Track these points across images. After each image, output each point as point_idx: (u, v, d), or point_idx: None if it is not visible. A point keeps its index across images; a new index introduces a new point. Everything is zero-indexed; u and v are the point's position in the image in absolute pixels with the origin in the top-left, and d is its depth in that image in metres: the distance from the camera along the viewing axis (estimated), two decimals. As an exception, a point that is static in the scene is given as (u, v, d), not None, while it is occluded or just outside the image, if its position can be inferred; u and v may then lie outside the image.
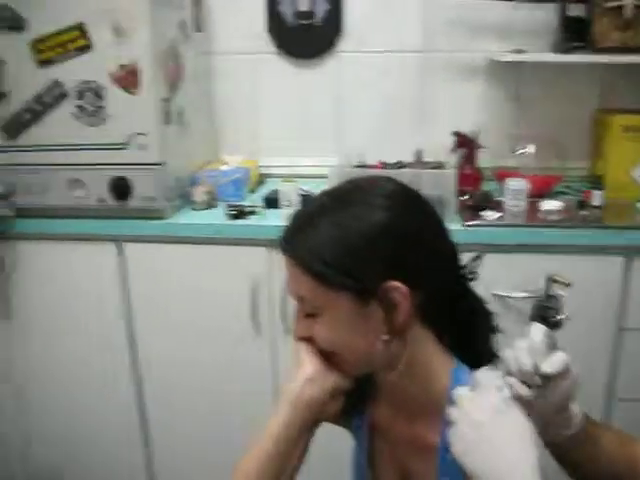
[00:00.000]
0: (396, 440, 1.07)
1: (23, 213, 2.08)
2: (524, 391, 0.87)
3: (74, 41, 1.90)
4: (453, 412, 0.88)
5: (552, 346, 0.91)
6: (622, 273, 1.90)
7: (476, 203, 2.06)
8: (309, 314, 0.96)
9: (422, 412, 1.01)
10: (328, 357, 0.98)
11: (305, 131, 2.50)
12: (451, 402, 0.90)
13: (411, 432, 1.03)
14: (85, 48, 1.90)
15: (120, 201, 2.02)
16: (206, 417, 2.20)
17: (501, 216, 1.99)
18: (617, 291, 1.92)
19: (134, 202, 2.02)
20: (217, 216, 2.07)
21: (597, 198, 2.04)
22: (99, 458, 2.33)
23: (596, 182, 2.15)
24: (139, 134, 1.95)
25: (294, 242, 0.95)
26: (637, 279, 1.91)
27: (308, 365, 0.99)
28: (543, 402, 0.89)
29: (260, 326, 2.05)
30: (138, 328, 2.15)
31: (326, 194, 0.99)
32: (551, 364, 0.87)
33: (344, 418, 1.15)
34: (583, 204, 2.06)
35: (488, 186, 2.20)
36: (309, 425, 1.01)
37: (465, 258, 1.04)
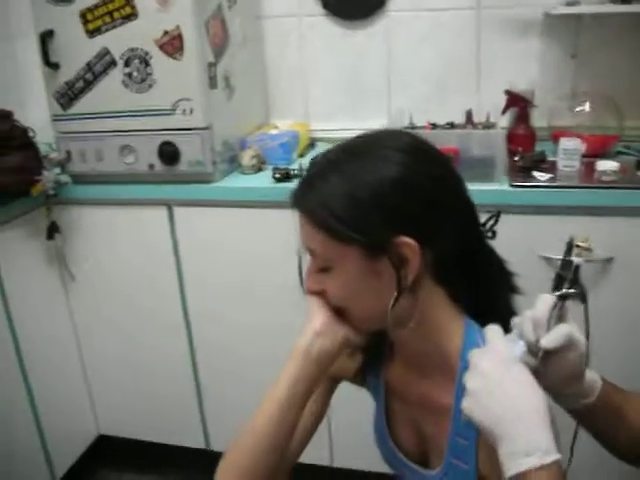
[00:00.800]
0: (410, 400, 1.06)
1: (78, 179, 2.16)
2: (528, 359, 0.87)
3: (120, 9, 1.93)
4: (467, 373, 0.87)
5: (560, 318, 0.90)
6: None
7: (527, 163, 1.99)
8: (321, 268, 0.96)
9: (434, 372, 1.00)
10: (339, 312, 0.98)
11: (356, 94, 2.47)
12: (465, 365, 0.89)
13: (424, 392, 1.03)
14: (131, 16, 1.93)
15: (169, 166, 2.06)
16: (257, 384, 2.21)
17: (552, 177, 1.92)
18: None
19: (182, 166, 2.05)
20: (264, 180, 2.08)
21: (657, 158, 1.94)
22: (154, 422, 2.42)
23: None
24: (184, 99, 1.97)
25: (305, 196, 0.94)
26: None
27: (317, 318, 0.98)
28: (549, 373, 0.88)
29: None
30: (189, 290, 2.20)
31: (338, 148, 0.97)
32: (550, 339, 0.87)
33: (362, 377, 1.16)
34: (640, 165, 1.96)
35: (542, 147, 2.12)
36: (319, 381, 1.00)
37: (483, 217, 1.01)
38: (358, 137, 0.98)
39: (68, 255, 2.25)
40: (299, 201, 0.95)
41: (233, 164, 2.18)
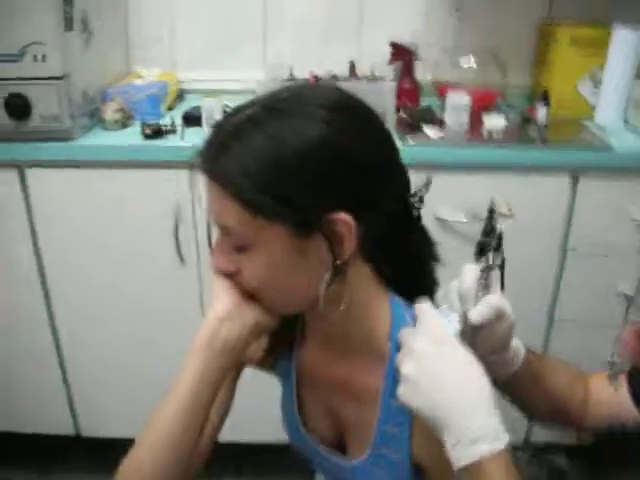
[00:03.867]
0: (327, 385, 0.96)
1: None
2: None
3: None
4: (399, 355, 0.80)
5: (486, 287, 0.85)
6: (569, 193, 1.82)
7: (416, 119, 1.92)
8: (236, 247, 0.81)
9: (358, 354, 0.91)
10: (253, 293, 0.84)
11: (228, 41, 2.25)
12: (395, 346, 0.82)
13: (345, 376, 0.93)
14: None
15: (18, 121, 1.78)
16: (128, 348, 2.06)
17: (442, 135, 1.86)
18: (563, 211, 1.84)
19: (34, 122, 1.78)
20: (132, 136, 1.86)
21: (542, 115, 1.93)
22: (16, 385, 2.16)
23: (539, 98, 2.02)
24: (35, 43, 1.69)
25: (218, 161, 0.77)
26: (583, 199, 1.82)
27: (221, 303, 0.84)
28: (477, 344, 0.84)
29: (184, 255, 1.89)
30: (47, 263, 1.95)
31: (258, 102, 0.80)
32: (478, 312, 0.82)
33: (269, 362, 1.04)
34: (527, 121, 1.95)
35: (428, 101, 2.06)
36: (227, 372, 0.88)
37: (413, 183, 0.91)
38: (279, 91, 0.82)
39: None
40: (210, 165, 0.78)
41: (94, 119, 1.93)
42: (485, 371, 0.77)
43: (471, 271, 0.87)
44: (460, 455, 0.73)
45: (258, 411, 1.63)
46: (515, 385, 0.97)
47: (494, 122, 1.89)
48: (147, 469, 0.84)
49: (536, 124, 1.92)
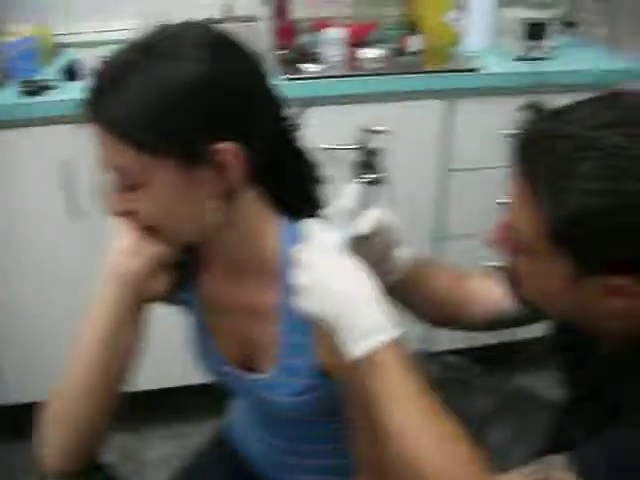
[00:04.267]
0: (231, 309, 1.01)
1: None
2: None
3: None
4: (294, 271, 0.86)
5: (367, 204, 0.93)
6: (446, 116, 1.92)
7: (294, 56, 1.97)
8: (129, 187, 0.84)
9: (254, 276, 0.96)
10: (149, 229, 0.88)
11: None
12: (288, 263, 0.88)
13: (245, 298, 0.98)
14: None
15: None
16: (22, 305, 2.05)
17: (321, 69, 1.92)
18: (442, 134, 1.95)
19: None
20: (9, 95, 1.82)
21: (414, 44, 2.01)
22: None
23: (412, 28, 2.10)
24: None
25: (103, 105, 0.80)
26: (460, 121, 1.93)
27: (121, 240, 0.88)
28: (363, 255, 0.89)
29: (78, 211, 1.89)
30: None
31: (132, 48, 0.83)
32: (363, 226, 0.90)
33: (172, 295, 1.08)
34: (401, 51, 2.03)
35: (306, 38, 2.10)
36: (133, 304, 0.90)
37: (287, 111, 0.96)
38: (154, 34, 0.85)
39: None
40: (95, 112, 0.81)
41: (-33, 81, 1.88)
42: (372, 276, 0.84)
43: (350, 189, 0.93)
44: (354, 349, 0.80)
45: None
46: (402, 291, 1.04)
47: (369, 53, 1.95)
48: (65, 412, 0.90)
49: (409, 53, 2.01)
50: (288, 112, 0.95)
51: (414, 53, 2.01)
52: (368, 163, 0.96)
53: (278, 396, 0.99)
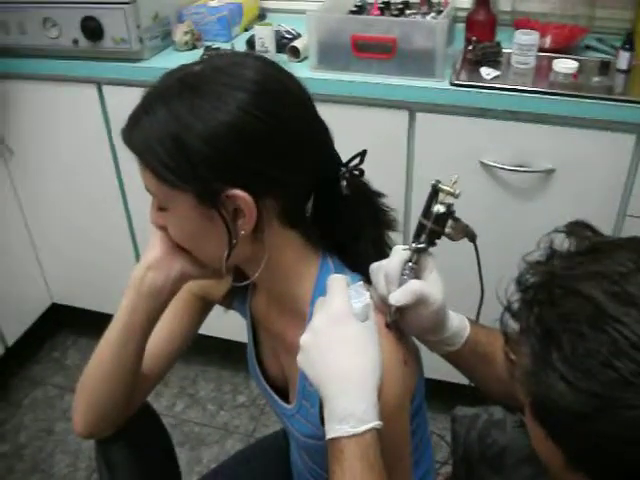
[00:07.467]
0: (272, 333, 1.05)
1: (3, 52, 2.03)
2: (384, 310, 0.88)
3: None
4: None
5: (414, 270, 0.88)
6: (632, 154, 1.61)
7: (477, 56, 1.78)
8: (159, 207, 0.89)
9: (289, 311, 0.98)
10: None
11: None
12: (313, 311, 0.88)
13: (281, 329, 1.01)
14: None
15: (93, 42, 1.91)
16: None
17: (499, 75, 1.71)
18: (624, 174, 1.65)
19: (107, 43, 1.91)
20: (196, 58, 1.92)
21: (624, 61, 1.70)
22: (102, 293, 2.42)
23: (629, 41, 1.70)
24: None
25: (131, 133, 0.84)
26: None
27: (152, 251, 0.93)
28: (407, 324, 0.89)
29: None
30: (124, 169, 2.12)
31: (179, 73, 0.85)
32: (397, 296, 0.85)
33: (229, 302, 1.14)
34: (607, 65, 1.72)
35: (505, 35, 1.88)
36: (160, 311, 0.97)
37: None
38: (205, 61, 0.88)
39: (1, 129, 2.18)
40: (125, 136, 0.85)
41: (167, 39, 2.01)
42: (379, 354, 0.82)
43: (397, 253, 0.88)
44: (327, 428, 0.80)
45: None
46: (461, 363, 0.98)
47: (563, 66, 1.70)
48: (94, 396, 1.02)
49: (615, 70, 1.71)
50: (335, 157, 0.92)
51: (621, 71, 1.70)
52: (425, 226, 0.88)
53: (295, 431, 1.02)
